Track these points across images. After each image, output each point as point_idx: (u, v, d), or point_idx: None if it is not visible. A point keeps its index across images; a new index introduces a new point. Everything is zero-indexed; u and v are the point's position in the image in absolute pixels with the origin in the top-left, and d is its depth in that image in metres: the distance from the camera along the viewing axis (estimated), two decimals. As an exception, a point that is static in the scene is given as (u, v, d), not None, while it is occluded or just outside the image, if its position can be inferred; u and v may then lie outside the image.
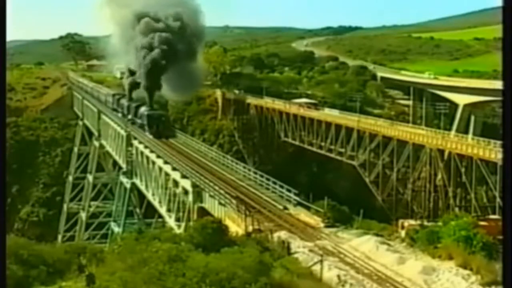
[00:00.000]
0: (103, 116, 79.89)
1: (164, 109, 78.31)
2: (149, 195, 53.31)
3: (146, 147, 55.66)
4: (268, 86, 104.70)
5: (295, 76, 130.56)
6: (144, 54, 67.65)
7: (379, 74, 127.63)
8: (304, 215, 33.76)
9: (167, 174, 46.55)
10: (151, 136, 60.46)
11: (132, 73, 75.92)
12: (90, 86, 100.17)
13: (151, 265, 18.04)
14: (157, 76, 67.91)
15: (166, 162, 48.22)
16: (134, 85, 75.60)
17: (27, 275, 20.36)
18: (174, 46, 67.79)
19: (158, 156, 50.85)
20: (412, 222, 30.23)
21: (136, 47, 69.71)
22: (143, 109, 67.61)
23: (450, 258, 23.51)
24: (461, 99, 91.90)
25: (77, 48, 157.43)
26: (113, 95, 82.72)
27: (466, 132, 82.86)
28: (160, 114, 67.01)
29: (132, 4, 75.08)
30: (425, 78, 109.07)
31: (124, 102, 76.14)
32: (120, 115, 75.87)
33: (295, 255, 25.06)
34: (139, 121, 66.94)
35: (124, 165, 63.27)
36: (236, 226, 30.80)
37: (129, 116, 71.52)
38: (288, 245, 26.38)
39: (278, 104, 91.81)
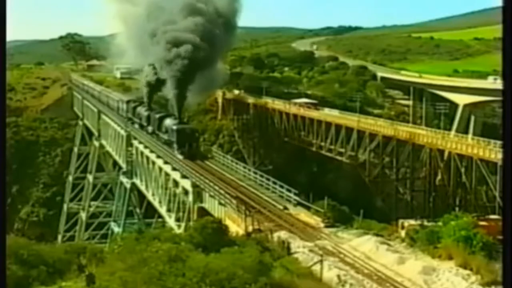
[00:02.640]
0: (103, 116, 79.74)
1: (164, 109, 75.53)
2: (149, 195, 53.35)
3: (146, 147, 55.71)
4: (268, 86, 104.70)
5: (295, 76, 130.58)
6: (176, 59, 56.91)
7: (379, 74, 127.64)
8: (304, 215, 33.80)
9: (167, 174, 46.62)
10: (180, 157, 49.89)
11: (153, 76, 65.73)
12: (97, 90, 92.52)
13: (151, 265, 18.04)
14: (189, 83, 58.11)
15: (166, 162, 48.28)
16: (154, 91, 67.68)
17: (27, 275, 20.33)
18: (210, 50, 59.50)
19: (158, 156, 50.92)
20: (412, 222, 30.16)
21: (162, 48, 59.22)
22: (169, 122, 56.12)
23: (450, 258, 23.51)
24: (461, 99, 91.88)
25: (77, 48, 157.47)
26: (127, 101, 72.50)
27: (466, 132, 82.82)
28: (193, 130, 56.25)
29: (143, 2, 70.04)
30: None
31: (142, 111, 65.97)
32: (136, 125, 66.20)
33: (295, 255, 25.06)
34: (164, 136, 56.08)
35: (124, 165, 63.27)
36: (236, 226, 30.83)
37: (150, 129, 61.15)
38: (288, 245, 26.40)
39: (278, 104, 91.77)
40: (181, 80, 56.78)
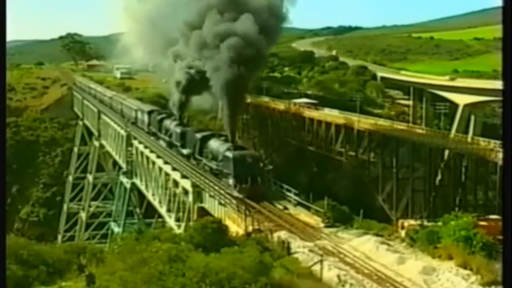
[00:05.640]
0: (103, 116, 79.61)
1: (164, 109, 73.68)
2: (149, 195, 53.32)
3: (146, 147, 55.63)
4: (268, 86, 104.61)
5: (295, 76, 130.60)
6: (226, 62, 41.07)
7: (379, 74, 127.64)
8: (304, 215, 33.85)
9: (167, 174, 46.60)
10: (236, 193, 36.84)
11: (189, 80, 53.60)
12: (108, 96, 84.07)
13: (151, 265, 18.05)
14: (244, 92, 44.90)
15: (166, 162, 48.23)
16: (188, 100, 57.51)
17: (27, 275, 20.35)
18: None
19: (158, 156, 50.86)
20: (412, 222, 30.23)
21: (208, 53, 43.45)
22: (218, 146, 42.26)
23: (450, 258, 23.54)
24: (461, 99, 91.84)
25: (77, 48, 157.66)
26: (150, 112, 62.21)
27: (466, 132, 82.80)
28: (256, 157, 40.84)
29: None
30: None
31: (172, 125, 54.28)
32: (162, 142, 55.18)
33: (295, 255, 25.10)
34: (211, 164, 42.50)
35: (124, 165, 63.17)
36: (236, 226, 30.85)
37: (186, 151, 48.67)
38: (288, 245, 26.43)
39: (278, 104, 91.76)
40: (235, 89, 40.97)
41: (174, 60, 56.95)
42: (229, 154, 39.47)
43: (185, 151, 48.85)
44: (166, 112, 61.12)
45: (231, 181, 38.03)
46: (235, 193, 36.64)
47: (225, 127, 44.39)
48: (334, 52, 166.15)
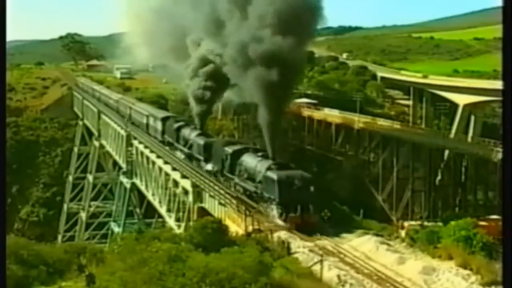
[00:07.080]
0: (103, 116, 79.53)
1: (164, 109, 72.92)
2: (149, 195, 53.30)
3: (146, 147, 55.57)
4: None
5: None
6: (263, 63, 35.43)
7: (379, 74, 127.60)
8: (304, 215, 33.72)
9: (167, 174, 46.56)
10: (281, 222, 31.01)
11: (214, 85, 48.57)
12: (114, 99, 79.13)
13: (151, 265, 18.08)
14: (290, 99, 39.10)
15: (166, 162, 48.18)
16: (209, 108, 52.52)
17: (27, 275, 20.38)
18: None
19: (158, 156, 50.80)
20: (412, 222, 30.31)
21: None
22: (257, 163, 35.43)
23: (450, 258, 23.56)
24: (461, 99, 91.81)
25: (77, 48, 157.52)
26: (164, 119, 55.64)
27: (466, 132, 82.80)
28: (306, 178, 32.49)
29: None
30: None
31: (193, 135, 47.90)
32: (180, 154, 49.14)
33: (295, 255, 25.12)
34: (247, 185, 36.19)
35: (124, 165, 63.11)
36: (236, 226, 30.83)
37: (210, 167, 42.31)
38: (288, 245, 26.44)
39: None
40: (279, 94, 35.37)
41: (195, 48, 51.44)
42: (273, 175, 32.43)
43: (209, 167, 42.59)
44: (184, 119, 55.24)
45: (275, 208, 31.78)
46: (281, 223, 30.72)
47: (265, 138, 37.43)
48: (344, 55, 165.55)
